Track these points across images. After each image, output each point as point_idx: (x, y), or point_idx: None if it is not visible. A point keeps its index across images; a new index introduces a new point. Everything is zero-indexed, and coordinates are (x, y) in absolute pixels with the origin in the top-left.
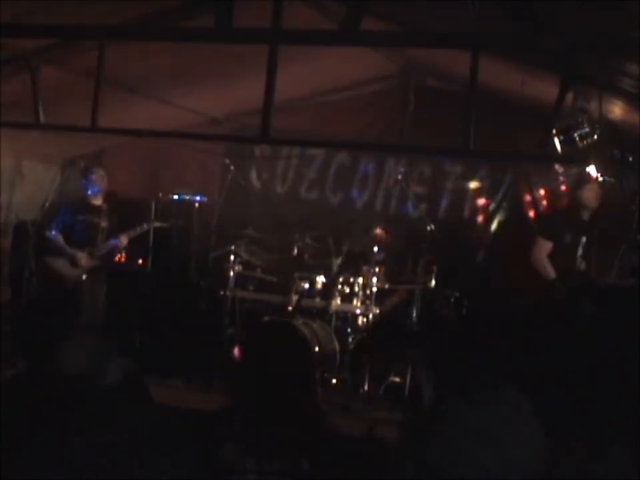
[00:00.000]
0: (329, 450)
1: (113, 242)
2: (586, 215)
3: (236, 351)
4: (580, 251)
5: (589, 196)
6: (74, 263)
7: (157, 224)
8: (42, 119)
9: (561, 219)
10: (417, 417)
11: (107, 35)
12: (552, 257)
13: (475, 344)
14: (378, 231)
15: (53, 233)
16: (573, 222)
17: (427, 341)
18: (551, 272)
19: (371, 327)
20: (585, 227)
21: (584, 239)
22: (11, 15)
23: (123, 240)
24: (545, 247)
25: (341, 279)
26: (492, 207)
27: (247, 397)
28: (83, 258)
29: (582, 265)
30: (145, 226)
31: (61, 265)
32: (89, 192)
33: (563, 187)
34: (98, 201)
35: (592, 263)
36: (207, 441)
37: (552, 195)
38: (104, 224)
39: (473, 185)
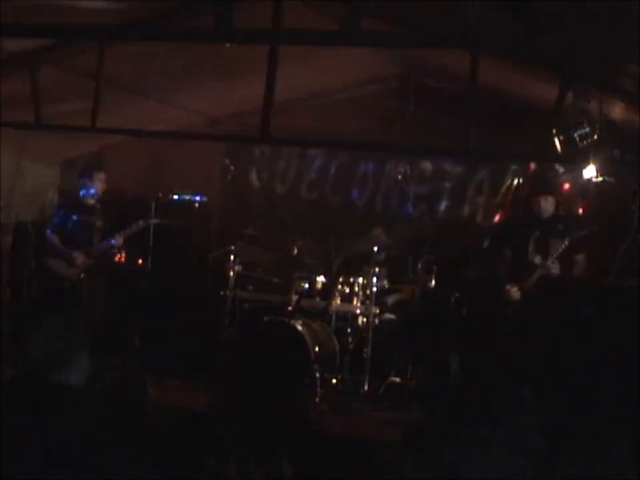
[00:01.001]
0: (327, 452)
1: (109, 242)
2: (545, 216)
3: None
4: (531, 246)
5: (545, 206)
6: (70, 263)
7: (154, 221)
8: (42, 119)
9: (517, 224)
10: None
11: (107, 35)
12: (510, 257)
13: (475, 345)
14: (378, 231)
15: (49, 233)
16: (527, 223)
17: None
18: (501, 274)
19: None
20: (541, 223)
21: (537, 233)
22: (11, 15)
23: (118, 239)
24: (505, 254)
25: (340, 279)
26: (492, 207)
27: (243, 396)
28: (79, 258)
29: (535, 258)
30: (141, 223)
31: (57, 265)
32: (86, 193)
33: (567, 186)
34: (93, 201)
35: (547, 251)
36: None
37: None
38: (99, 223)
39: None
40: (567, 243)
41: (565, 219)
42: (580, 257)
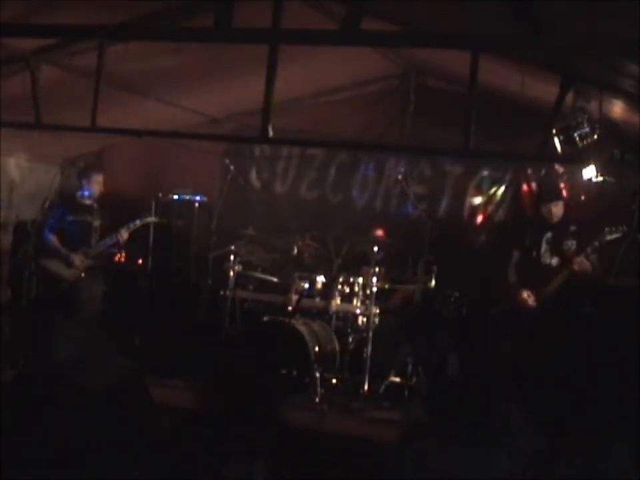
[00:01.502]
0: (327, 452)
1: (107, 241)
2: (555, 220)
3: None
4: (544, 247)
5: (555, 211)
6: (68, 263)
7: (151, 219)
8: (42, 119)
9: (525, 227)
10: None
11: (107, 35)
12: (520, 260)
13: (475, 345)
14: (378, 230)
15: (47, 233)
16: (537, 226)
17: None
18: (512, 277)
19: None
20: (552, 226)
21: (549, 235)
22: (11, 15)
23: (124, 235)
24: (513, 256)
25: (340, 279)
26: (492, 206)
27: (243, 396)
28: (77, 258)
29: (552, 260)
30: (138, 222)
31: (56, 265)
32: (82, 194)
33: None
34: (91, 201)
35: (562, 251)
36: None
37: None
38: (97, 223)
39: (473, 185)
40: (596, 244)
41: (576, 220)
42: (593, 257)
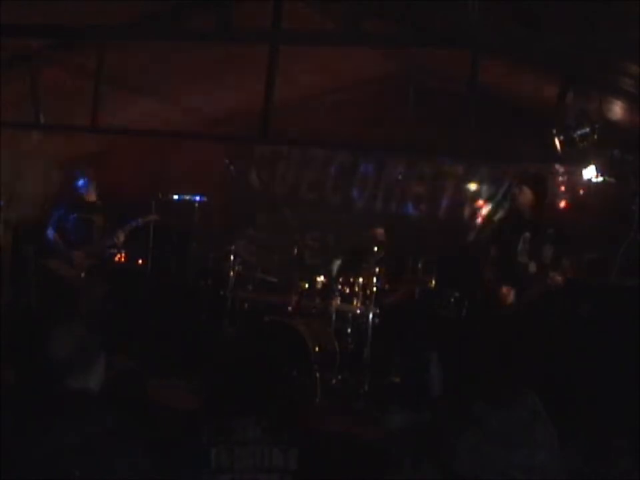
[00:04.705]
0: (327, 452)
1: (107, 241)
2: (527, 214)
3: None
4: (520, 246)
5: (523, 200)
6: (70, 262)
7: (151, 217)
8: (42, 119)
9: (501, 221)
10: (433, 418)
11: (107, 35)
12: (497, 256)
13: (476, 345)
14: (377, 230)
15: (50, 232)
16: (512, 222)
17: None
18: (488, 273)
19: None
20: (526, 224)
21: (527, 235)
22: (10, 15)
23: (120, 236)
24: (490, 251)
25: (340, 279)
26: (491, 207)
27: (243, 397)
28: (79, 257)
29: (524, 259)
30: (140, 220)
31: (58, 265)
32: (83, 190)
33: (562, 188)
34: (92, 200)
35: (540, 257)
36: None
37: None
38: (99, 222)
39: (473, 185)
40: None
41: (555, 223)
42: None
